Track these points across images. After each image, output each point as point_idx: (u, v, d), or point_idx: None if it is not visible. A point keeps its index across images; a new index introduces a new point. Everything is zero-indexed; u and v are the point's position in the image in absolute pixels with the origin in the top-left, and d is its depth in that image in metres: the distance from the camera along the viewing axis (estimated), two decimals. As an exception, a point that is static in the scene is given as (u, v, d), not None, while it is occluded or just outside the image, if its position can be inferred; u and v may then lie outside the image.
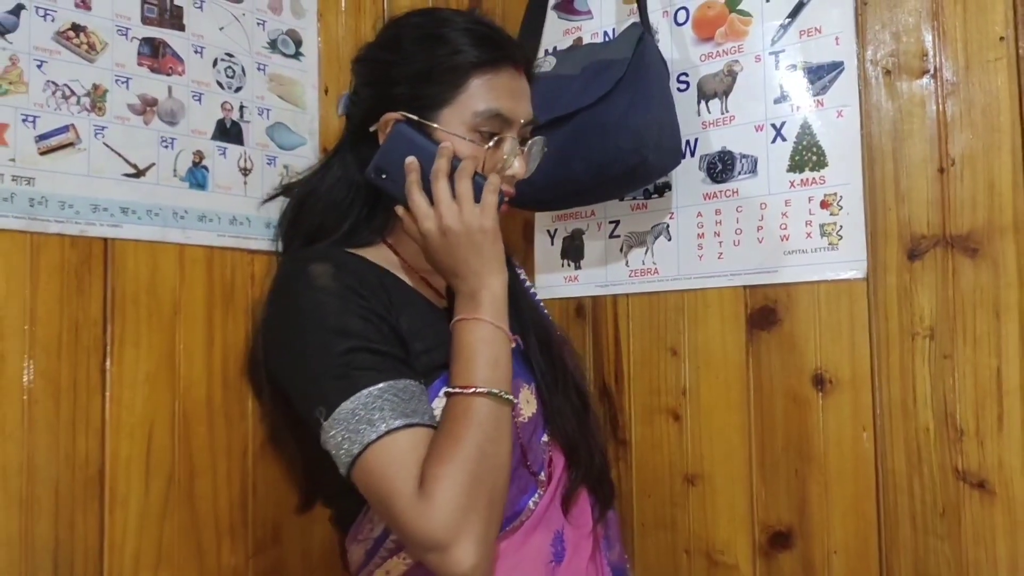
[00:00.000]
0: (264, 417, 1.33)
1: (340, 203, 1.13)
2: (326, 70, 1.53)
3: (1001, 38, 1.16)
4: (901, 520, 1.21)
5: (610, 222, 1.53)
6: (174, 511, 1.27)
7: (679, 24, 1.47)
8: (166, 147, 1.30)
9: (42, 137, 1.17)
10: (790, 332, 1.33)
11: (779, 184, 1.35)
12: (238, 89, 1.40)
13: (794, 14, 1.35)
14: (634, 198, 1.50)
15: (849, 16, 1.29)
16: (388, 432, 0.92)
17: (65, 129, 1.20)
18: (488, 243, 1.02)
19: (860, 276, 1.27)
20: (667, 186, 1.47)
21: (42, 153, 1.17)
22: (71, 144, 1.20)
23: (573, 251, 1.58)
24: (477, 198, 1.02)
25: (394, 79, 1.09)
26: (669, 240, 1.46)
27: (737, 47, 1.40)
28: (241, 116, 1.40)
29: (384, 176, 1.06)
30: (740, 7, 1.40)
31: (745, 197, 1.38)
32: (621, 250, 1.52)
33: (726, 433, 1.38)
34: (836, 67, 1.31)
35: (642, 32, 1.37)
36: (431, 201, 1.04)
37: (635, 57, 1.34)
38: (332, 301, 0.99)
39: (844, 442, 1.26)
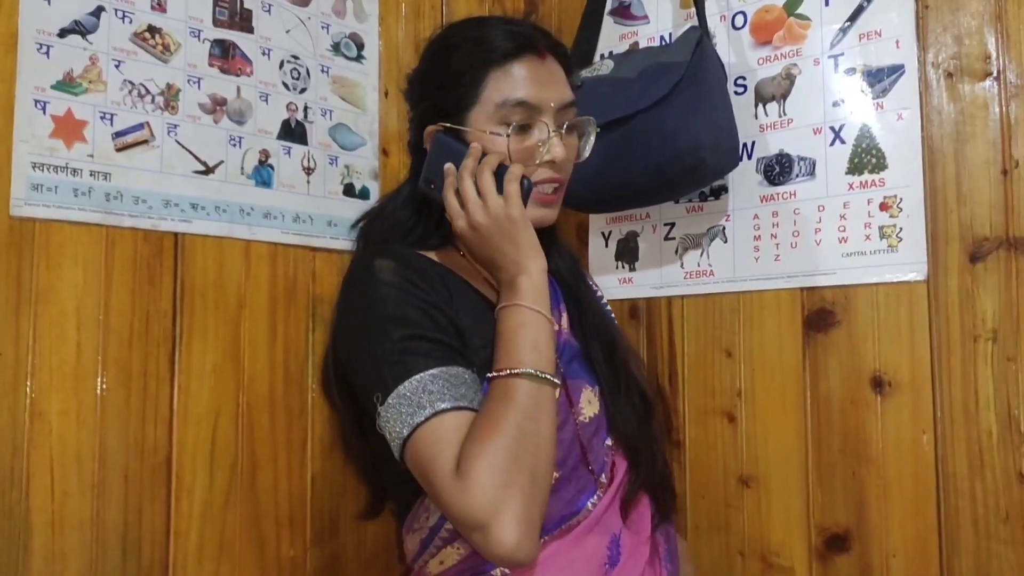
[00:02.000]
0: (335, 417, 1.35)
1: (405, 220, 1.18)
2: (386, 73, 1.57)
3: (1067, 39, 1.16)
4: (963, 524, 1.20)
5: (665, 224, 1.54)
6: (237, 501, 1.30)
7: (736, 28, 1.48)
8: (234, 145, 1.33)
9: (119, 134, 1.21)
10: (848, 334, 1.32)
11: (837, 186, 1.35)
12: (303, 90, 1.43)
13: (853, 18, 1.35)
14: (690, 200, 1.51)
15: (910, 19, 1.30)
16: (435, 414, 0.94)
17: (140, 127, 1.24)
18: (518, 231, 1.05)
19: (920, 278, 1.26)
20: (723, 188, 1.47)
21: (118, 150, 1.21)
22: (145, 141, 1.24)
23: (627, 253, 1.59)
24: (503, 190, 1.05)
25: (427, 95, 1.15)
26: (725, 242, 1.46)
27: (795, 51, 1.41)
28: (305, 116, 1.43)
29: (432, 186, 1.10)
30: (799, 11, 1.41)
31: (803, 199, 1.38)
32: (676, 252, 1.52)
33: (782, 435, 1.37)
34: (896, 70, 1.31)
35: (700, 35, 1.38)
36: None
37: (693, 60, 1.35)
38: (393, 293, 1.02)
39: (903, 445, 1.26)
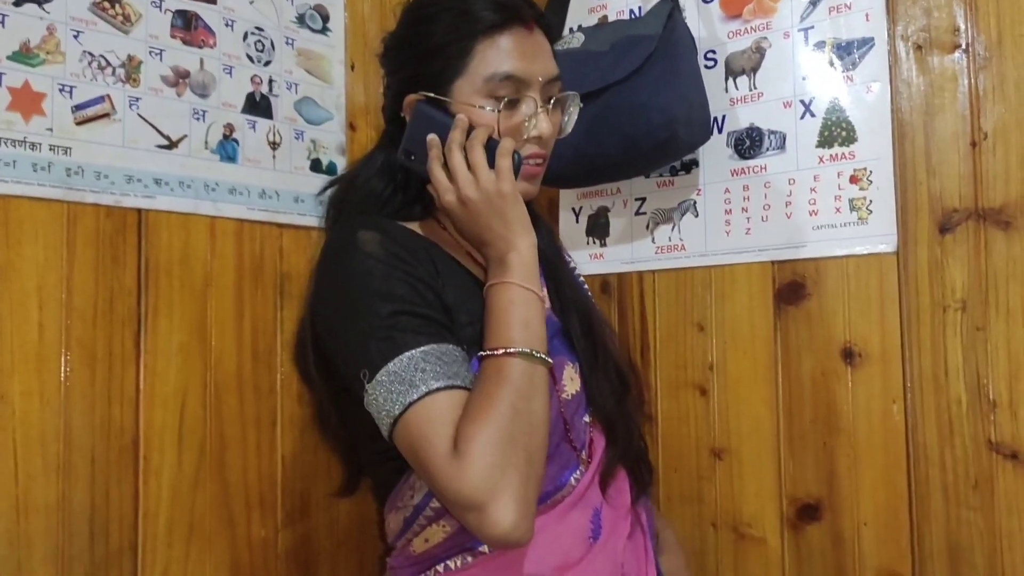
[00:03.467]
0: (305, 395, 1.33)
1: (380, 191, 1.14)
2: (352, 45, 1.54)
3: (1035, 12, 1.17)
4: (933, 492, 1.22)
5: (636, 199, 1.54)
6: (206, 482, 1.27)
7: (706, 2, 1.47)
8: (198, 119, 1.30)
9: (79, 107, 1.18)
10: (819, 306, 1.33)
11: (808, 160, 1.36)
12: (267, 63, 1.40)
13: (824, -10, 1.36)
14: (660, 175, 1.51)
15: (879, -9, 1.30)
16: (428, 393, 0.92)
17: (101, 99, 1.20)
18: (509, 207, 1.02)
19: (890, 250, 1.27)
20: (694, 163, 1.47)
21: (78, 123, 1.18)
22: (107, 115, 1.20)
23: (598, 229, 1.58)
24: (493, 164, 1.03)
25: (407, 62, 1.11)
26: (696, 216, 1.46)
27: (765, 24, 1.41)
28: (270, 90, 1.40)
29: (412, 157, 1.07)
30: (769, -16, 1.41)
31: (773, 173, 1.39)
32: (647, 227, 1.52)
33: (753, 407, 1.38)
34: (866, 43, 1.31)
35: (671, 8, 1.37)
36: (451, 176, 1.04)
37: (665, 33, 1.34)
38: (378, 267, 1.00)
39: (874, 415, 1.27)
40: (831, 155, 1.34)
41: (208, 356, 1.29)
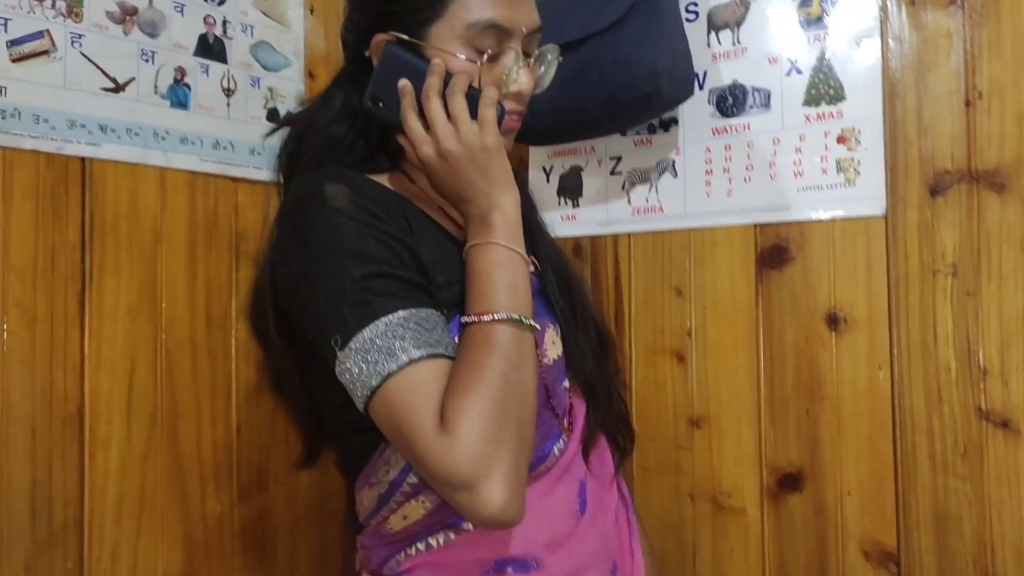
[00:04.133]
0: (262, 361, 1.23)
1: (342, 137, 1.05)
2: (312, -12, 1.44)
3: (1034, -33, 1.13)
4: (920, 460, 1.19)
5: (611, 158, 1.47)
6: (157, 454, 1.18)
7: (688, -49, 1.41)
8: (146, 61, 1.19)
9: (14, 43, 1.06)
10: (803, 271, 1.29)
11: (793, 119, 1.31)
12: (221, 2, 1.29)
13: (812, -59, 1.30)
14: (637, 133, 1.45)
15: (872, -57, 1.25)
16: (409, 363, 0.85)
17: (39, 35, 1.08)
18: (492, 161, 0.95)
19: (879, 213, 1.23)
20: (673, 121, 1.41)
21: (14, 60, 1.06)
22: (46, 52, 1.09)
23: (571, 188, 1.51)
24: (475, 115, 0.95)
25: None
26: (675, 177, 1.41)
27: (750, -24, 1.35)
28: (224, 32, 1.29)
29: (381, 104, 0.98)
30: (754, -67, 1.35)
31: (757, 132, 1.34)
32: (623, 187, 1.46)
33: (734, 374, 1.34)
34: (857, -4, 1.26)
35: (657, -45, 1.30)
36: (428, 126, 0.96)
37: (650, -19, 1.28)
38: (349, 224, 0.92)
39: (859, 381, 1.24)
40: (818, 114, 1.29)
41: (159, 319, 1.19)
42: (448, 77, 0.97)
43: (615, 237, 1.46)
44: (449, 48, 0.98)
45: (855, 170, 1.25)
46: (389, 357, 0.86)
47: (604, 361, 1.10)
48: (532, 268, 0.98)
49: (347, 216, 0.92)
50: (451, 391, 0.85)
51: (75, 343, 1.10)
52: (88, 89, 1.12)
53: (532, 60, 1.03)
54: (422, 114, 0.97)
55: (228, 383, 1.28)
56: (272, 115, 1.35)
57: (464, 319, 0.91)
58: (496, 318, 0.89)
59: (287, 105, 1.38)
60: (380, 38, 1.01)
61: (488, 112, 0.95)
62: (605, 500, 1.05)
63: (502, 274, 0.93)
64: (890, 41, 1.24)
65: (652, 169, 1.43)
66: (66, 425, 1.09)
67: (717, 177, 1.37)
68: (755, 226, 1.33)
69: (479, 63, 0.99)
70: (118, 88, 1.15)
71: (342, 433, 1.04)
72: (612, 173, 1.47)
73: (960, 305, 1.17)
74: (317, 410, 1.10)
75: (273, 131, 1.16)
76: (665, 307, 1.41)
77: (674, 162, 1.41)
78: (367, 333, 0.87)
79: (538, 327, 0.93)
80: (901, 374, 1.21)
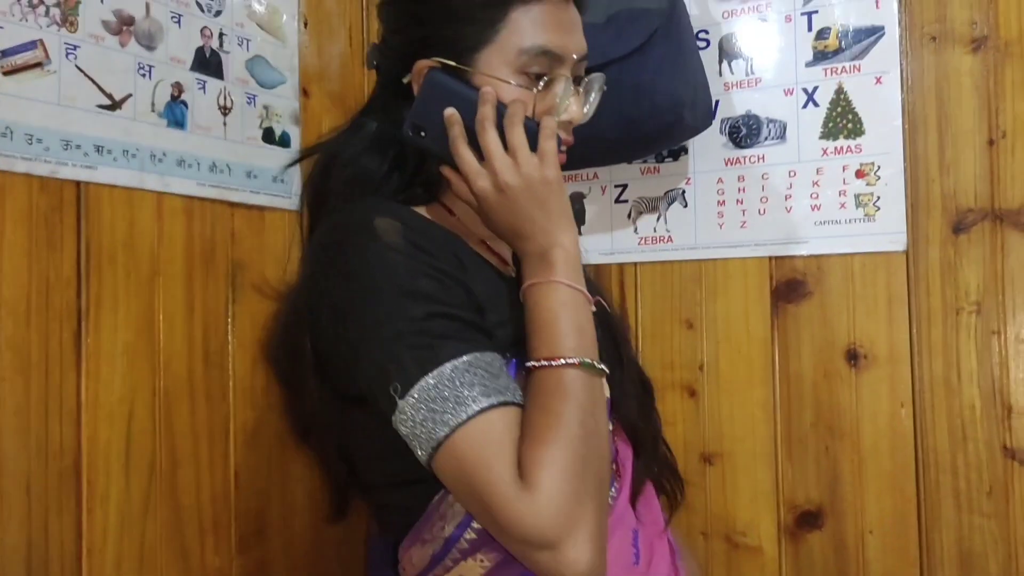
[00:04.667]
0: (295, 402, 1.13)
1: (375, 169, 0.97)
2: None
3: (1058, 10, 1.15)
4: (944, 498, 1.19)
5: (616, 186, 1.43)
6: (157, 507, 1.08)
7: (699, -22, 1.39)
8: (143, 75, 1.09)
9: (5, 54, 0.95)
10: (820, 305, 1.28)
11: (810, 151, 1.30)
12: (218, 12, 1.20)
13: (830, -26, 1.29)
14: (644, 161, 1.41)
15: (892, -22, 1.25)
16: (480, 412, 0.79)
17: (32, 45, 0.98)
18: (554, 196, 0.89)
19: (899, 249, 1.23)
20: (683, 149, 1.38)
21: (6, 73, 0.95)
22: (39, 64, 0.98)
23: (573, 216, 1.46)
24: (532, 147, 0.89)
25: (423, 21, 0.95)
26: (685, 207, 1.38)
27: (766, 4, 1.33)
28: (221, 45, 1.20)
29: (423, 134, 0.92)
30: (769, -37, 1.33)
31: (772, 164, 1.32)
32: (629, 216, 1.42)
33: (748, 409, 1.32)
34: (876, 31, 1.26)
35: (676, -19, 1.27)
36: (480, 157, 0.90)
37: (669, 8, 1.24)
38: (402, 260, 0.84)
39: (880, 418, 1.23)
40: (836, 147, 1.28)
41: (156, 358, 1.09)
42: (501, 107, 0.91)
43: (620, 266, 1.43)
44: (499, 75, 0.92)
45: (875, 205, 1.25)
46: (458, 406, 0.79)
47: (649, 406, 1.06)
48: (593, 307, 0.93)
49: (399, 252, 0.85)
50: (529, 442, 0.79)
51: (71, 388, 0.99)
52: (83, 106, 1.02)
53: (581, 88, 0.98)
54: (471, 145, 0.91)
55: (226, 426, 1.18)
56: (267, 135, 1.27)
57: (532, 363, 0.85)
58: (568, 362, 0.83)
59: (283, 125, 1.29)
60: (423, 64, 0.94)
61: (550, 144, 0.89)
62: (657, 548, 1.01)
63: (568, 315, 0.87)
64: (910, 78, 1.24)
65: (661, 198, 1.40)
66: (63, 479, 0.98)
67: (730, 208, 1.34)
68: (770, 259, 1.31)
69: (534, 90, 0.93)
70: (115, 105, 1.05)
71: (385, 485, 0.96)
72: (617, 201, 1.43)
73: (984, 343, 1.18)
74: (349, 459, 1.02)
75: (295, 162, 1.08)
76: (675, 340, 1.37)
77: (684, 192, 1.38)
78: (431, 379, 0.80)
79: (606, 370, 0.88)
80: (924, 411, 1.21)
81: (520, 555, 0.80)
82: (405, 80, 0.96)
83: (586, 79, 1.00)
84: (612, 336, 1.03)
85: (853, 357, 1.25)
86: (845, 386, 1.26)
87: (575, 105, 0.97)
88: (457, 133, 0.91)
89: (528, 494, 0.76)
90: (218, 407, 1.17)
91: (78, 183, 1.01)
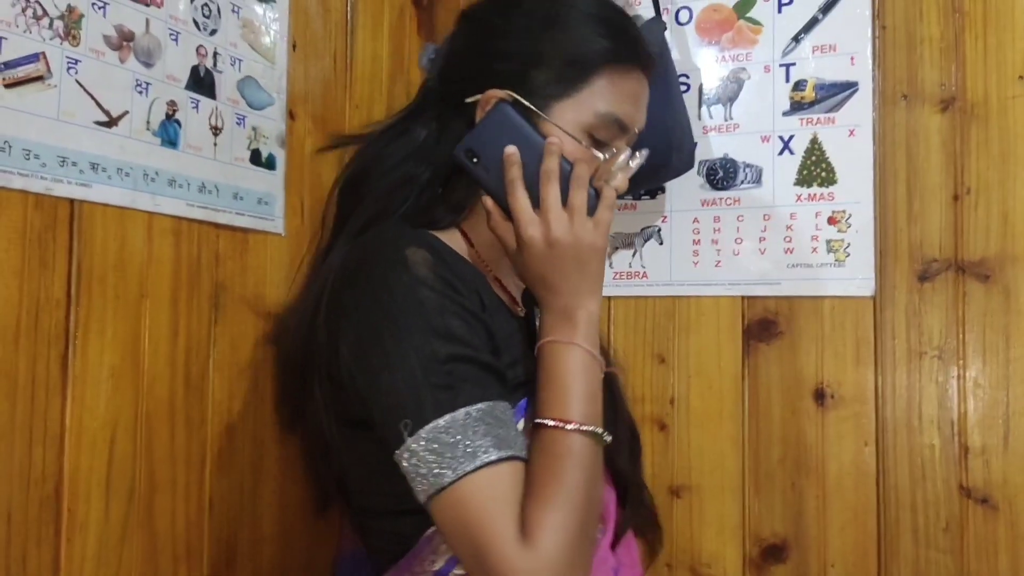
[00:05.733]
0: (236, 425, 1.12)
1: (416, 178, 0.98)
2: (295, 21, 1.34)
3: (1021, 77, 1.23)
4: (902, 533, 1.25)
5: (593, 221, 1.46)
6: (134, 534, 1.05)
7: (680, 23, 1.43)
8: (140, 92, 1.07)
9: (8, 65, 0.92)
10: (791, 345, 1.33)
11: (785, 197, 1.35)
12: (213, 32, 1.18)
13: (807, 29, 1.35)
14: (622, 198, 1.44)
15: (866, 38, 1.32)
16: (489, 464, 0.80)
17: (35, 58, 0.95)
18: (595, 262, 0.92)
19: (868, 294, 1.29)
20: (660, 188, 1.42)
21: (7, 85, 0.92)
22: (40, 78, 0.95)
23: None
24: (589, 210, 0.91)
25: (509, 54, 0.96)
26: (661, 244, 1.41)
27: (745, 55, 1.39)
28: (215, 64, 1.18)
29: (476, 160, 0.92)
30: (750, 14, 1.39)
31: (748, 207, 1.37)
32: (605, 251, 1.45)
33: (718, 444, 1.36)
34: (850, 86, 1.32)
35: (664, 27, 1.31)
36: (532, 202, 0.91)
37: (659, 52, 1.28)
38: (431, 297, 0.85)
39: (845, 456, 1.29)
40: (809, 194, 1.34)
41: (140, 382, 1.06)
42: (564, 162, 0.92)
43: (595, 300, 1.45)
44: (568, 129, 0.94)
45: (845, 251, 1.31)
46: (467, 454, 0.80)
47: (637, 456, 1.09)
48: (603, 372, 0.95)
49: (429, 288, 0.86)
50: (534, 501, 0.80)
51: (56, 413, 0.96)
52: (81, 122, 0.99)
53: (631, 163, 1.00)
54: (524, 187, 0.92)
55: (203, 452, 1.16)
56: (255, 157, 1.25)
57: (543, 420, 0.87)
58: (580, 428, 0.86)
59: (269, 147, 1.28)
60: (496, 93, 0.94)
61: (607, 215, 0.92)
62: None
63: (582, 380, 0.89)
64: (882, 132, 1.31)
65: (636, 235, 1.43)
66: (43, 507, 0.94)
67: (705, 247, 1.39)
68: (743, 298, 1.36)
69: (604, 157, 0.95)
70: (111, 122, 1.03)
71: (380, 511, 0.96)
72: (593, 235, 1.46)
73: (944, 386, 1.25)
74: (344, 479, 1.02)
75: (330, 149, 1.06)
76: (647, 374, 1.41)
77: (660, 229, 1.42)
78: (443, 423, 0.81)
79: (609, 440, 0.89)
80: (886, 450, 1.27)
81: None
82: (468, 100, 0.96)
83: (636, 153, 1.01)
84: (611, 391, 1.05)
85: (820, 396, 1.31)
86: (812, 424, 1.31)
87: (622, 177, 0.98)
88: (516, 175, 0.91)
89: (529, 554, 0.78)
90: (196, 432, 1.15)
91: (72, 201, 0.98)
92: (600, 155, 0.95)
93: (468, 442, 0.81)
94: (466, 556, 0.82)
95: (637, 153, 1.00)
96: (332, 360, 0.92)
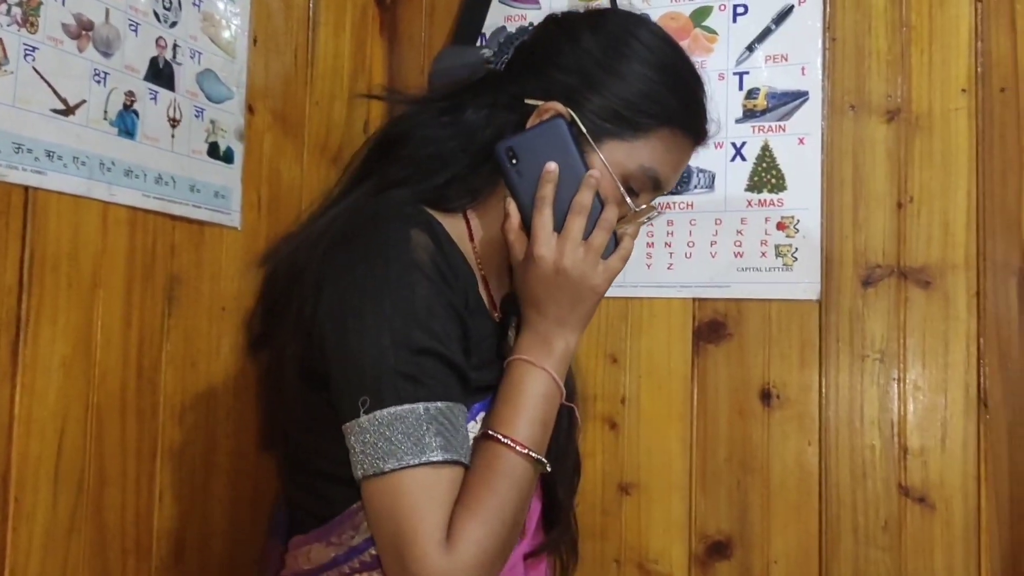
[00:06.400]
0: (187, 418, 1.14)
1: (449, 157, 0.99)
2: (257, 15, 1.34)
3: (963, 90, 1.27)
4: (843, 532, 1.29)
5: (549, 222, 1.48)
6: (82, 525, 1.05)
7: (638, 29, 1.45)
8: (98, 82, 1.06)
9: (-38, 50, 0.91)
10: (739, 347, 1.36)
11: (736, 202, 1.38)
12: (173, 24, 1.18)
13: (761, 39, 1.39)
14: (578, 200, 1.46)
15: (817, 49, 1.35)
16: (432, 463, 0.82)
17: (-9, 44, 0.94)
18: (591, 303, 0.94)
19: (813, 298, 1.33)
20: (615, 191, 1.45)
21: (-39, 71, 0.91)
22: (-4, 63, 0.95)
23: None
24: (605, 254, 0.94)
25: (582, 72, 0.96)
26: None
27: (700, 62, 1.39)
28: (174, 56, 1.18)
29: (514, 161, 0.93)
30: (705, 23, 1.42)
31: (700, 211, 1.40)
32: (560, 251, 1.47)
33: (666, 443, 1.38)
34: (800, 96, 1.36)
35: (623, 32, 1.33)
36: (554, 223, 0.92)
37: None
38: (422, 285, 0.87)
39: (788, 455, 1.32)
40: (760, 200, 1.37)
41: (92, 373, 1.06)
42: (597, 198, 0.93)
43: (549, 300, 1.47)
44: (612, 168, 0.95)
45: (793, 256, 1.34)
46: (415, 448, 0.82)
47: (575, 489, 1.12)
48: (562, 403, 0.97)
49: (425, 276, 0.87)
50: (465, 511, 0.83)
51: (5, 401, 0.95)
52: (37, 109, 0.99)
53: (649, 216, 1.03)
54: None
55: (154, 444, 1.16)
56: (212, 150, 1.25)
57: (494, 434, 0.89)
58: (525, 452, 0.88)
59: (228, 140, 1.28)
60: (557, 107, 0.95)
61: (619, 264, 0.94)
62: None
63: (541, 407, 0.91)
64: (830, 141, 1.34)
65: (592, 236, 1.45)
66: (-9, 496, 0.94)
67: (658, 250, 1.41)
68: (694, 300, 1.39)
69: (634, 209, 0.97)
70: (68, 111, 1.02)
71: (314, 471, 0.97)
72: (549, 236, 1.48)
73: (885, 388, 1.29)
74: (289, 430, 1.03)
75: (375, 97, 1.08)
76: (599, 373, 1.43)
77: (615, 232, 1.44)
78: (400, 410, 0.83)
79: (548, 469, 0.92)
80: (829, 450, 1.30)
81: None
82: (528, 102, 0.97)
83: (650, 214, 1.03)
84: (568, 424, 1.07)
85: (766, 397, 1.34)
86: (758, 424, 1.34)
87: (634, 228, 1.00)
88: (549, 193, 0.92)
89: (448, 559, 0.80)
90: (148, 425, 1.14)
91: (27, 188, 0.97)
92: (632, 206, 0.97)
93: (417, 437, 0.82)
94: (385, 543, 0.84)
95: (654, 211, 1.02)
96: (308, 308, 0.92)
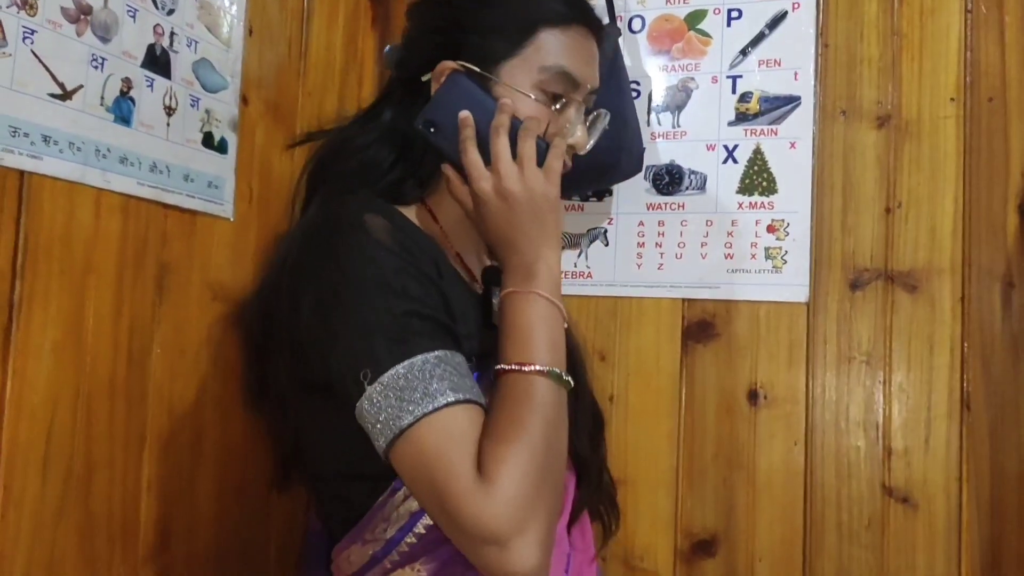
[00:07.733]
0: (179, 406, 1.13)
1: (382, 160, 1.01)
2: (252, 7, 1.34)
3: (952, 99, 1.29)
4: (827, 530, 1.30)
5: (540, 219, 1.49)
6: (70, 512, 1.04)
7: (633, 32, 1.47)
8: (96, 67, 1.06)
9: (-39, 30, 0.91)
10: (727, 347, 1.37)
11: (727, 204, 1.39)
12: (171, 12, 1.18)
13: (755, 43, 1.40)
14: (569, 199, 1.47)
15: (810, 55, 1.37)
16: (446, 405, 0.82)
17: (-10, 25, 0.93)
18: (550, 212, 0.94)
19: (802, 300, 1.34)
20: (608, 191, 1.46)
21: (-40, 51, 0.91)
22: (-6, 45, 0.94)
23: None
24: (540, 161, 0.94)
25: (453, 25, 1.00)
26: (606, 245, 1.45)
27: (694, 65, 1.43)
28: (171, 44, 1.18)
29: (434, 130, 0.96)
30: (700, 26, 1.43)
31: (691, 212, 1.41)
32: (551, 249, 1.48)
33: (654, 441, 1.39)
34: (793, 100, 1.37)
35: (619, 33, 1.35)
36: (487, 161, 0.94)
37: (613, 54, 1.31)
38: (389, 258, 0.88)
39: (775, 454, 1.33)
40: (751, 202, 1.38)
41: (83, 358, 1.05)
42: (515, 119, 0.95)
43: (539, 297, 1.48)
44: (519, 87, 0.97)
45: (782, 259, 1.36)
46: (425, 397, 0.82)
47: (598, 437, 1.11)
48: (566, 325, 0.97)
49: (387, 250, 0.88)
50: (491, 440, 0.81)
51: (-3, 385, 0.95)
52: (34, 93, 0.98)
53: (588, 120, 1.04)
54: (480, 150, 0.95)
55: (143, 431, 1.15)
56: (207, 140, 1.25)
57: (502, 367, 0.88)
58: (538, 370, 0.86)
59: (222, 130, 1.27)
60: (447, 65, 0.98)
61: (557, 163, 0.95)
62: (586, 574, 1.06)
63: (544, 327, 0.90)
64: (821, 146, 1.36)
65: (583, 235, 1.46)
66: (-20, 482, 0.93)
67: (649, 250, 1.42)
68: (683, 300, 1.40)
69: (552, 108, 0.98)
70: (66, 95, 1.02)
71: (334, 476, 0.97)
72: (540, 234, 1.49)
73: (871, 390, 1.30)
74: (301, 446, 1.03)
75: (299, 144, 1.09)
76: (588, 371, 1.43)
77: (605, 231, 1.45)
78: (401, 369, 0.83)
79: (572, 384, 0.91)
80: (814, 450, 1.32)
81: (468, 550, 0.82)
82: (424, 78, 0.99)
83: (594, 113, 1.05)
84: (573, 365, 1.07)
85: (754, 396, 1.35)
86: (745, 423, 1.35)
87: (581, 133, 1.02)
88: (468, 135, 0.95)
89: (485, 489, 0.79)
90: (136, 411, 1.14)
91: (22, 172, 0.97)
92: (548, 107, 0.98)
93: (426, 386, 0.82)
94: (427, 500, 0.84)
95: (599, 112, 1.04)
96: (293, 323, 0.93)
